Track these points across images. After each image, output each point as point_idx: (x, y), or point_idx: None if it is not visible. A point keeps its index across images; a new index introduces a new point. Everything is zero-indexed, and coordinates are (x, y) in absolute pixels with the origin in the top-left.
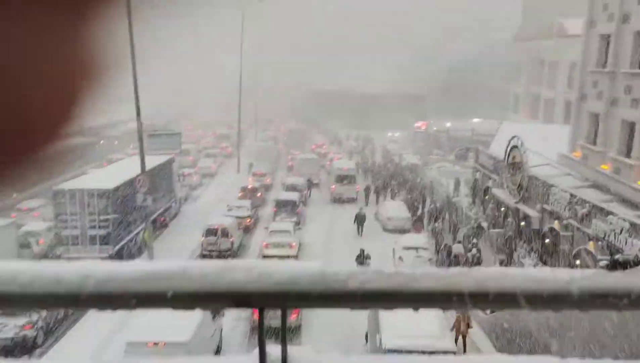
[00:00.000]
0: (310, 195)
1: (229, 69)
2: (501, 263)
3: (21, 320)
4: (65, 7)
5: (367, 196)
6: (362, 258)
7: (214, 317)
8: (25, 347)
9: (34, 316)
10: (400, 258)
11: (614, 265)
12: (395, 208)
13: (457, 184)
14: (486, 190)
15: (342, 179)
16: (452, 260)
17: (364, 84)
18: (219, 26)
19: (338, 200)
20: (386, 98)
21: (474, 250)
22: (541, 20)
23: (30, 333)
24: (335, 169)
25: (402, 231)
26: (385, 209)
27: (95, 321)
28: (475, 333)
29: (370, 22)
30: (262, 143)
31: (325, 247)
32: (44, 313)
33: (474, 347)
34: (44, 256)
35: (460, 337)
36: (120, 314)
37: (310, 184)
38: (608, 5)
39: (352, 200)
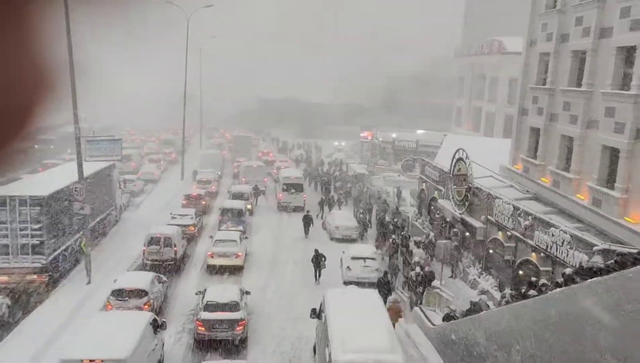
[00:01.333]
0: (257, 203)
1: (173, 75)
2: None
3: None
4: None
5: (321, 207)
6: (318, 259)
7: (155, 331)
8: None
9: None
10: (348, 268)
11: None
12: (342, 217)
13: (398, 193)
14: (432, 201)
15: (289, 187)
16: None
17: (311, 94)
18: (163, 31)
19: (285, 208)
20: (333, 108)
21: (418, 269)
22: (481, 38)
23: None
24: (282, 178)
25: (350, 240)
26: (332, 219)
27: (29, 335)
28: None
29: (317, 33)
30: (207, 149)
31: (272, 257)
32: None
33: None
34: None
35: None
36: (54, 328)
37: (257, 192)
38: (547, 26)
39: (299, 209)
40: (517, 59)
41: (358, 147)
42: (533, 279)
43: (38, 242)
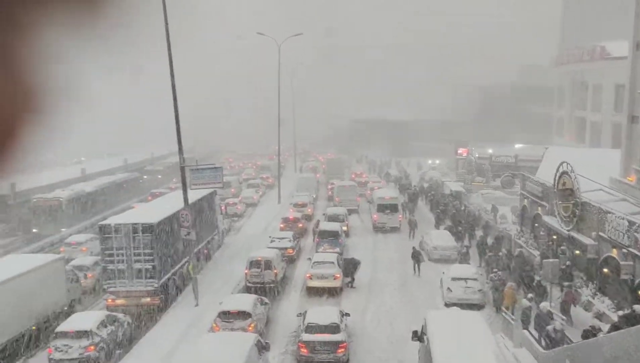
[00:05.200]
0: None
1: (266, 101)
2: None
3: (84, 342)
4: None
5: (411, 228)
6: (416, 255)
7: (260, 352)
8: None
9: (96, 338)
10: (449, 289)
11: None
12: (440, 237)
13: (494, 210)
14: (535, 218)
15: (384, 208)
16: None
17: (401, 112)
18: (254, 56)
19: (380, 229)
20: (424, 125)
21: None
22: (581, 43)
23: (93, 354)
24: (377, 199)
25: (449, 260)
26: (430, 239)
27: (146, 353)
28: None
29: (404, 48)
30: (301, 173)
31: (370, 278)
32: (104, 335)
33: None
34: (92, 290)
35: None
36: (167, 347)
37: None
38: None
39: (395, 229)
40: (622, 64)
41: (453, 164)
42: None
43: (150, 267)
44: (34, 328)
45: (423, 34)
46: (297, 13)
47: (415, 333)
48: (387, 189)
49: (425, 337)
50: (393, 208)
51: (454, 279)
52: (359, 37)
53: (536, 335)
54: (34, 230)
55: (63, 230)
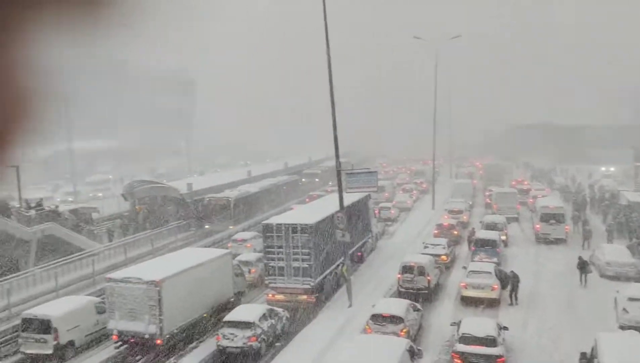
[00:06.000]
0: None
1: (420, 105)
2: None
3: (248, 333)
4: None
5: (586, 238)
6: (583, 265)
7: (411, 358)
8: (250, 355)
9: (258, 330)
10: (624, 310)
11: None
12: (615, 252)
13: None
14: None
15: (548, 218)
16: None
17: (569, 115)
18: (409, 60)
19: (543, 240)
20: (596, 130)
21: None
22: None
23: (255, 344)
24: (540, 207)
25: (626, 278)
26: (602, 253)
27: (303, 347)
28: None
29: (570, 45)
30: (457, 178)
31: (531, 291)
32: (265, 328)
33: None
34: (254, 285)
35: None
36: (322, 343)
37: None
38: None
39: (560, 241)
40: None
41: (631, 172)
42: None
43: (307, 266)
44: (205, 315)
45: (599, 34)
46: (449, 16)
47: (584, 355)
48: (551, 197)
49: (595, 360)
50: (558, 218)
51: (631, 299)
52: (519, 38)
53: None
54: (206, 226)
55: (230, 227)
